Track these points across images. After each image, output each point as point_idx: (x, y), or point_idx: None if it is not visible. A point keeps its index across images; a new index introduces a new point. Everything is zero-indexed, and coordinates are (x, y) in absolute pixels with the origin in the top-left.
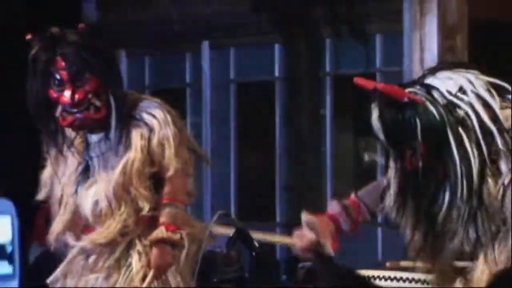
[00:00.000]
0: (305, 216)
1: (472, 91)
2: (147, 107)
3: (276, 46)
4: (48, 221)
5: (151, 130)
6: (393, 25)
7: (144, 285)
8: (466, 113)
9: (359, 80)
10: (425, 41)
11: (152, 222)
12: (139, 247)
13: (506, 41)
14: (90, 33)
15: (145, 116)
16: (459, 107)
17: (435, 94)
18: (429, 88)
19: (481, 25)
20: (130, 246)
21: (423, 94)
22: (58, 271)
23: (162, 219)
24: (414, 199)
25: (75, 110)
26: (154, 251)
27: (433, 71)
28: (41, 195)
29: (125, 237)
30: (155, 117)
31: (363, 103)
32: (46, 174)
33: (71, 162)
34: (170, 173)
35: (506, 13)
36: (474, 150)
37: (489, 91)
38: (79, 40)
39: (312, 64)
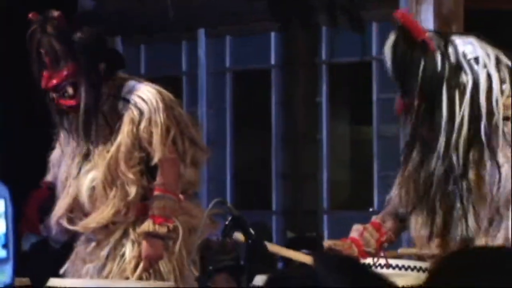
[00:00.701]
0: (328, 242)
1: (485, 66)
2: (141, 92)
3: (272, 34)
4: (40, 209)
5: (141, 114)
6: (389, 13)
7: (135, 275)
8: (467, 82)
9: (397, 13)
10: None
11: (146, 211)
12: (132, 236)
13: (501, 30)
14: (68, 22)
15: (138, 101)
16: (465, 73)
17: (450, 50)
18: (447, 43)
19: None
20: (124, 235)
21: (439, 44)
22: (67, 262)
23: (151, 211)
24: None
25: (56, 94)
26: (144, 243)
27: (463, 34)
28: (49, 176)
29: (118, 224)
30: (146, 102)
31: (359, 91)
32: (55, 154)
33: (76, 145)
34: (155, 160)
35: (501, 2)
36: (465, 119)
37: (504, 77)
38: (52, 31)
39: (308, 52)
